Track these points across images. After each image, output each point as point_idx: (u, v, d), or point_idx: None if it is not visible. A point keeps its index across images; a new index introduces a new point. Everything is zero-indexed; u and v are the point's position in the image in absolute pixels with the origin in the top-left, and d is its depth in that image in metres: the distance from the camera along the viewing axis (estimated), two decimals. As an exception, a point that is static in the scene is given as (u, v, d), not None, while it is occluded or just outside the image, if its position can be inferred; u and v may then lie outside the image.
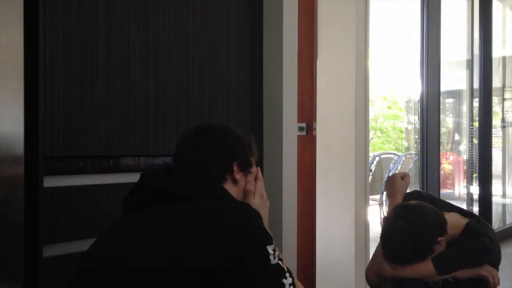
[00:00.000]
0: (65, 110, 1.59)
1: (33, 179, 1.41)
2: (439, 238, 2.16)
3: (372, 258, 2.49)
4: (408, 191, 2.46)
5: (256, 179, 1.49)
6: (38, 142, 1.43)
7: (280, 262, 1.24)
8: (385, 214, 2.33)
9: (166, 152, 1.86)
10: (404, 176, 2.46)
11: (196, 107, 1.96)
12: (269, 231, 1.33)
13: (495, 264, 2.34)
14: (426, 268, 2.21)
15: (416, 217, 2.15)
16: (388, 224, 2.21)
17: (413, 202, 2.30)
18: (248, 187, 1.45)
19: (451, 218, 2.27)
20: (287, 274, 1.23)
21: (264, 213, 1.47)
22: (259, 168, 1.51)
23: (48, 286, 1.51)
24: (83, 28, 1.63)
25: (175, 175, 1.36)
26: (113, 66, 1.71)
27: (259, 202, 1.46)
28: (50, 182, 1.53)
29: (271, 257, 1.21)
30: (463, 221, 2.32)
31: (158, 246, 1.20)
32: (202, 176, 1.36)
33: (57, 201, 1.56)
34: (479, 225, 2.31)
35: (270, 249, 1.22)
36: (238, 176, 1.41)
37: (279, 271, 1.22)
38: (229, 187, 1.39)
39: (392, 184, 2.45)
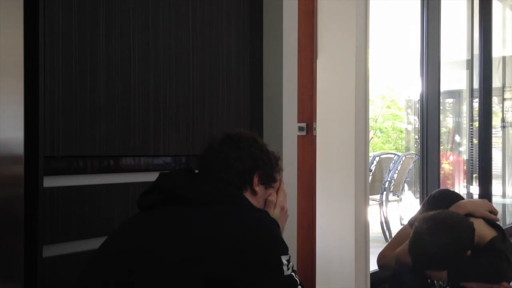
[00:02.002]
0: (65, 110, 1.59)
1: (33, 179, 1.41)
2: (468, 252, 2.17)
3: (393, 243, 2.49)
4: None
5: (279, 191, 1.47)
6: (38, 142, 1.43)
7: (293, 274, 1.22)
8: (418, 217, 2.31)
9: (166, 152, 1.86)
10: (494, 214, 2.45)
11: (196, 107, 1.96)
12: None
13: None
14: (440, 274, 2.24)
15: (447, 234, 2.15)
16: (418, 237, 2.21)
17: (446, 213, 2.29)
18: (270, 198, 1.44)
19: (478, 226, 2.26)
20: (299, 287, 1.22)
21: (282, 226, 1.45)
22: (283, 180, 1.50)
23: (48, 286, 1.51)
24: (83, 28, 1.63)
25: (195, 179, 1.35)
26: (113, 66, 1.71)
27: (278, 214, 1.45)
28: (50, 182, 1.53)
29: (285, 268, 1.20)
30: (489, 233, 2.31)
31: (172, 249, 1.19)
32: (223, 182, 1.35)
33: (57, 201, 1.56)
34: (503, 244, 2.30)
35: (284, 259, 1.20)
36: (258, 188, 1.40)
37: (292, 283, 1.21)
38: (248, 197, 1.38)
39: (478, 208, 2.42)
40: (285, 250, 1.23)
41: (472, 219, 2.27)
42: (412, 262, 2.24)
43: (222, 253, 1.16)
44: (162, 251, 1.20)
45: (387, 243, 2.63)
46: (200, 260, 1.15)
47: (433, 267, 2.23)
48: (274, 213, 1.44)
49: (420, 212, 2.58)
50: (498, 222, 2.44)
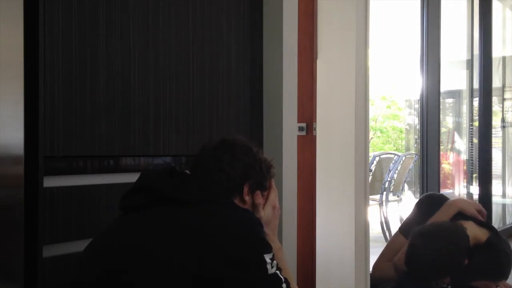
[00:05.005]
0: (65, 110, 1.59)
1: (33, 179, 1.41)
2: (465, 261, 2.18)
3: (387, 252, 2.49)
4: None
5: (269, 189, 1.48)
6: (38, 142, 1.43)
7: (278, 272, 1.24)
8: (413, 230, 2.31)
9: (166, 152, 1.86)
10: (483, 214, 2.46)
11: (196, 107, 1.96)
12: (276, 239, 1.33)
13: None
14: (444, 280, 2.25)
15: (444, 247, 2.16)
16: (415, 250, 2.21)
17: (440, 225, 2.29)
18: (257, 201, 1.44)
19: (471, 229, 2.27)
20: (284, 285, 1.23)
21: (274, 224, 1.47)
22: (272, 179, 1.50)
23: (48, 286, 1.51)
24: (83, 28, 1.63)
25: (183, 178, 1.35)
26: (113, 66, 1.71)
27: (270, 213, 1.45)
28: (50, 182, 1.53)
29: (268, 266, 1.21)
30: (482, 234, 2.32)
31: (156, 251, 1.20)
32: (211, 183, 1.36)
33: (57, 201, 1.56)
34: (498, 241, 2.32)
35: (267, 257, 1.22)
36: (247, 197, 1.41)
37: (276, 280, 1.23)
38: (238, 203, 1.38)
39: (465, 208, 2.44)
40: (268, 248, 1.24)
41: (463, 222, 2.29)
42: (410, 275, 2.24)
43: (207, 252, 1.17)
44: (153, 249, 1.21)
45: (380, 254, 2.64)
46: (188, 259, 1.17)
47: (432, 278, 2.24)
48: (266, 213, 1.44)
49: (410, 218, 2.60)
50: (497, 222, 2.47)
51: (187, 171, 1.44)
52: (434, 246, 2.16)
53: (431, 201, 2.61)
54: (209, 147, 1.44)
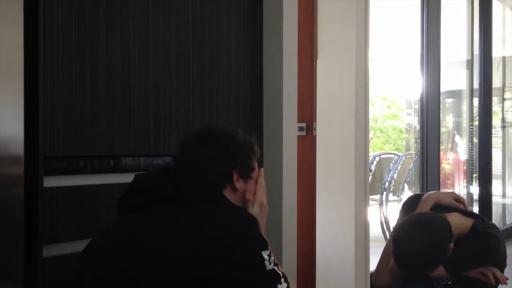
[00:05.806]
0: (65, 110, 1.59)
1: (33, 179, 1.41)
2: (450, 245, 2.19)
3: (383, 259, 2.50)
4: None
5: (257, 185, 1.48)
6: (38, 142, 1.43)
7: (275, 267, 1.25)
8: (394, 226, 2.34)
9: (166, 152, 1.86)
10: (461, 202, 2.48)
11: (196, 107, 1.96)
12: (265, 236, 1.33)
13: (502, 263, 2.35)
14: (438, 272, 2.25)
15: (424, 232, 2.18)
16: (399, 243, 2.23)
17: (417, 214, 2.32)
18: (247, 197, 1.45)
19: (454, 218, 2.30)
20: (282, 280, 1.25)
21: (262, 221, 1.47)
22: (262, 171, 1.50)
23: (48, 286, 1.51)
24: (83, 28, 1.63)
25: (179, 179, 1.36)
26: (113, 66, 1.71)
27: (257, 210, 1.45)
28: (50, 182, 1.53)
29: (266, 263, 1.23)
30: (467, 221, 2.35)
31: (156, 252, 1.20)
32: (205, 181, 1.36)
33: (57, 201, 1.56)
34: (484, 225, 2.33)
35: (265, 254, 1.23)
36: (238, 184, 1.42)
37: (275, 277, 1.24)
38: (229, 194, 1.39)
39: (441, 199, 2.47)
40: (265, 245, 1.25)
41: (446, 215, 2.31)
42: (403, 271, 2.25)
43: (207, 252, 1.18)
44: (153, 249, 1.21)
45: (378, 262, 2.65)
46: (188, 259, 1.17)
47: (423, 268, 2.24)
48: (253, 211, 1.44)
49: (398, 221, 2.63)
50: (497, 222, 2.48)
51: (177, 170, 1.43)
52: (415, 233, 2.19)
53: (411, 201, 2.65)
54: (190, 142, 1.42)
